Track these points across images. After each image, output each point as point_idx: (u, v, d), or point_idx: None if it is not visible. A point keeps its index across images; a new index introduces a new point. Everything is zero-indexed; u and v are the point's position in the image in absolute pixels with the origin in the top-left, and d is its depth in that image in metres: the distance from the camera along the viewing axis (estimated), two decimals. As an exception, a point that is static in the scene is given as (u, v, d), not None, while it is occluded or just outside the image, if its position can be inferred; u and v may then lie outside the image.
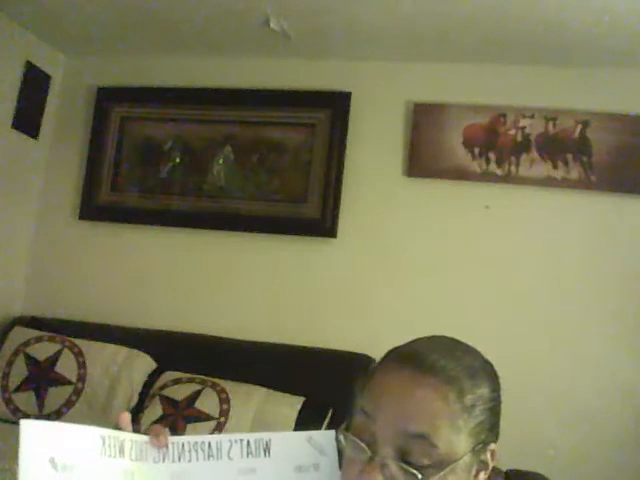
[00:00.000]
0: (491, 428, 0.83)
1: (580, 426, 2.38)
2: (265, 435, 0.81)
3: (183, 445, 0.78)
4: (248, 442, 0.80)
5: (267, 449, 0.80)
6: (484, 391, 0.82)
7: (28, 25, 2.86)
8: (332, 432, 0.82)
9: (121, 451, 0.73)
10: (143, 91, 3.02)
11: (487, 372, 0.85)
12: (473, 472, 0.81)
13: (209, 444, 0.79)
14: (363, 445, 0.79)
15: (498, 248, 2.59)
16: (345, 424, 0.84)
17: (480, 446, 0.80)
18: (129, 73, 3.05)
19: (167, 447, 0.77)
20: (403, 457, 0.76)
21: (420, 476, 0.75)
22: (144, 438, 0.76)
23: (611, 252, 2.51)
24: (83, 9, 2.64)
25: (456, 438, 0.78)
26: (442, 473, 0.76)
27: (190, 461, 0.78)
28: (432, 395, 0.78)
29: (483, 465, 0.82)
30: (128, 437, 0.75)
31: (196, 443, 0.79)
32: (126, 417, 0.76)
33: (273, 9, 2.49)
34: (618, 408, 2.38)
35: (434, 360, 0.82)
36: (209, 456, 0.78)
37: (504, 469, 1.77)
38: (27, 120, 2.97)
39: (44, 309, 2.90)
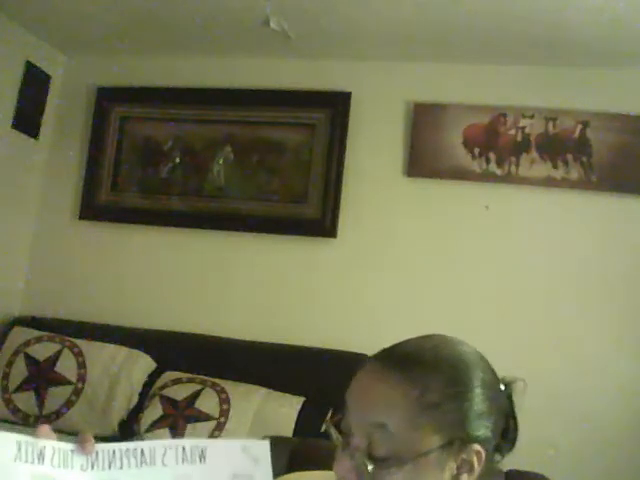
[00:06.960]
0: (469, 427, 0.81)
1: (580, 426, 2.38)
2: (201, 442, 0.80)
3: (114, 452, 0.76)
4: (183, 448, 0.78)
5: (202, 456, 0.79)
6: (458, 390, 0.81)
7: (28, 25, 2.86)
8: (267, 442, 0.81)
9: (40, 457, 0.71)
10: (143, 91, 3.02)
11: (471, 372, 0.84)
12: (451, 471, 0.80)
13: (142, 451, 0.77)
14: (338, 436, 0.84)
15: (498, 248, 2.59)
16: (337, 417, 0.86)
17: (455, 445, 0.79)
18: (129, 73, 3.05)
19: (96, 454, 0.75)
20: (369, 448, 0.79)
21: (371, 467, 0.77)
22: (69, 446, 0.74)
23: (611, 252, 2.51)
24: (83, 9, 2.64)
25: (417, 433, 0.78)
26: (404, 467, 0.77)
27: (122, 468, 0.75)
28: (392, 390, 0.81)
29: (466, 465, 0.80)
30: (49, 444, 0.72)
31: (128, 450, 0.76)
32: (45, 428, 0.74)
33: (273, 9, 2.48)
34: (618, 408, 2.38)
35: (405, 356, 0.84)
36: (142, 462, 0.76)
37: (504, 469, 1.77)
38: (27, 120, 2.96)
39: (44, 309, 2.90)
